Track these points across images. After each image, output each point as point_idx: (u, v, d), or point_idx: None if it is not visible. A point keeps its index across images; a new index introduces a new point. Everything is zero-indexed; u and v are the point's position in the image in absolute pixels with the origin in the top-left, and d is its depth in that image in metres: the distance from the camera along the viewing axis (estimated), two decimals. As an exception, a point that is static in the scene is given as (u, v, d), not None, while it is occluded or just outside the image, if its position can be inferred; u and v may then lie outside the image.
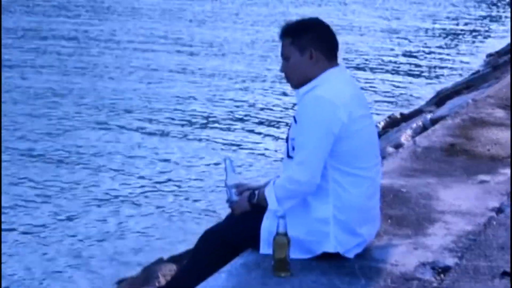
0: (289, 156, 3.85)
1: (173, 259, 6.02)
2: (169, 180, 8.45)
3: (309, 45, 3.82)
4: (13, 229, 7.12)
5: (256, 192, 3.93)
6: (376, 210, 4.04)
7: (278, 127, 10.61)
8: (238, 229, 3.95)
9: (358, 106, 3.83)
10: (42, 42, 16.78)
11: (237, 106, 11.77)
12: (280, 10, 22.05)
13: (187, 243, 6.25)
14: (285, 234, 3.67)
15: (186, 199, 7.92)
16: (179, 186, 8.26)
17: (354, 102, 3.81)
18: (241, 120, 11.05)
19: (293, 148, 3.80)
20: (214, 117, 11.10)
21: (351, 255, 3.92)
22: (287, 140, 3.89)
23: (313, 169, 3.73)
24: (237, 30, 18.93)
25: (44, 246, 6.80)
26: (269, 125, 10.77)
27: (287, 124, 10.60)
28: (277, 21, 17.79)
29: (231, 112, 11.42)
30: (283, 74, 3.95)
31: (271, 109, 11.59)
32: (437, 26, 20.48)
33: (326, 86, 3.78)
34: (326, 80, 3.81)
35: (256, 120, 10.99)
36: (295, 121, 3.81)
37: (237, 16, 21.14)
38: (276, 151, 9.43)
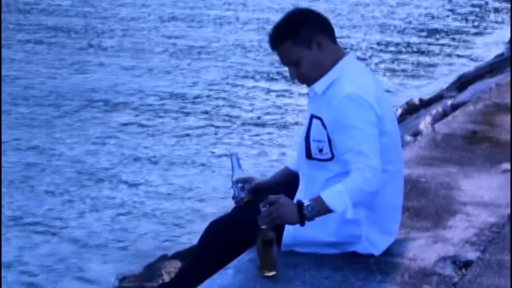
0: (310, 158, 3.82)
1: (177, 256, 6.03)
2: (173, 175, 8.46)
3: (312, 35, 3.76)
4: (15, 219, 7.21)
5: (306, 203, 3.61)
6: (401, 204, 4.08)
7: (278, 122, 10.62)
8: (248, 222, 3.89)
9: (382, 96, 3.84)
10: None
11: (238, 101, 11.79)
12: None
13: (192, 239, 6.26)
14: (270, 229, 3.63)
15: (190, 194, 7.93)
16: (183, 181, 8.27)
17: (378, 92, 3.81)
18: (246, 114, 11.06)
19: (320, 150, 3.77)
20: (223, 109, 11.10)
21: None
22: (306, 140, 3.83)
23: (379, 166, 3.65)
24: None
25: (44, 242, 6.85)
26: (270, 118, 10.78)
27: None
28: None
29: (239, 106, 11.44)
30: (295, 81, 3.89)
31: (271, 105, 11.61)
32: (459, 3, 20.39)
33: (349, 79, 3.73)
34: (345, 72, 3.77)
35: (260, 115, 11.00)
36: (322, 123, 3.73)
37: None
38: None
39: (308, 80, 3.84)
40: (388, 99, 3.97)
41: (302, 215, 3.58)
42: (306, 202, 3.60)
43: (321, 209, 3.59)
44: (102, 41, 15.38)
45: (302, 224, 3.61)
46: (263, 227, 3.61)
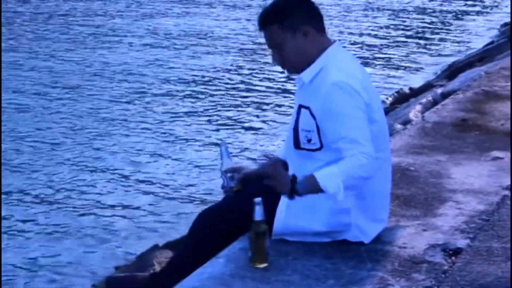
0: (299, 148, 3.82)
1: (169, 246, 6.04)
2: (164, 164, 8.46)
3: (300, 23, 3.77)
4: (10, 218, 7.20)
5: (300, 179, 3.69)
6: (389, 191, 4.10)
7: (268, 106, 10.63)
8: (238, 211, 3.92)
9: (368, 84, 3.85)
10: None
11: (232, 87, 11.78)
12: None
13: (184, 229, 6.26)
14: (263, 222, 3.65)
15: (181, 183, 7.94)
16: (173, 171, 8.27)
17: (365, 80, 3.82)
18: (236, 99, 11.07)
19: (308, 140, 3.77)
20: (213, 98, 11.10)
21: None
22: (295, 130, 3.83)
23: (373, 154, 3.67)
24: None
25: (38, 235, 6.86)
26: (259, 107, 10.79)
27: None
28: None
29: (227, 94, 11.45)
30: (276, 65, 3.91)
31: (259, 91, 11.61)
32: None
33: (336, 67, 3.74)
34: (331, 60, 3.78)
35: (248, 102, 11.00)
36: (311, 112, 3.74)
37: None
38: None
39: (290, 66, 3.86)
40: (374, 87, 3.99)
41: (294, 189, 3.65)
42: (299, 178, 3.66)
43: (313, 188, 3.64)
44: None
45: (291, 197, 3.65)
46: (258, 218, 3.61)
